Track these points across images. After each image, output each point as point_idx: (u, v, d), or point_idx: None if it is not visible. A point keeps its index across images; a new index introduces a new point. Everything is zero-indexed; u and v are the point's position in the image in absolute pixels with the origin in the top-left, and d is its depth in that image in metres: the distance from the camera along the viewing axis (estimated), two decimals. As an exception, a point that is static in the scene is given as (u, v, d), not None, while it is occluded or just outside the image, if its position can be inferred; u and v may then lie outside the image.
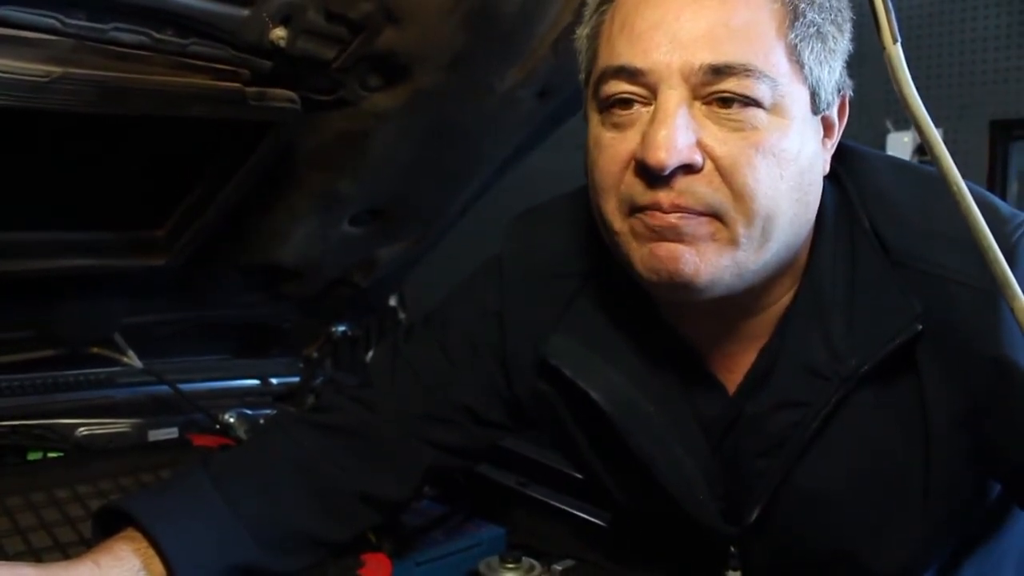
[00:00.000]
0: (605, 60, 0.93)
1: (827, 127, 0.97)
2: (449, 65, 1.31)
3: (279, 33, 1.15)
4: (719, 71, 0.87)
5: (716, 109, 0.88)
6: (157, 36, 1.09)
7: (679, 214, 0.90)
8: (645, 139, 0.88)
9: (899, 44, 0.75)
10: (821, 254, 1.00)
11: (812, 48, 0.91)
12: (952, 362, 0.94)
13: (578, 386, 1.05)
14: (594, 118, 0.96)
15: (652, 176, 0.89)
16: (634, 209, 0.92)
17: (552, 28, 1.34)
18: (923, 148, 2.57)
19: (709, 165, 0.89)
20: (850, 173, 1.02)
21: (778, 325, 1.02)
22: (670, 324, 1.06)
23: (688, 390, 1.05)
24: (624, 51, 0.91)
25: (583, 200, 1.07)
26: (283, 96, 1.23)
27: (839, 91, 0.96)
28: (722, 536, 1.06)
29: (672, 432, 1.04)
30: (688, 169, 0.88)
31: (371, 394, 1.20)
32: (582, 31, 1.00)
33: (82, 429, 1.57)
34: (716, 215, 0.90)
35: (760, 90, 0.88)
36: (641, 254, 0.93)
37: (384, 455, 1.16)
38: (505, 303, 1.15)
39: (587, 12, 0.99)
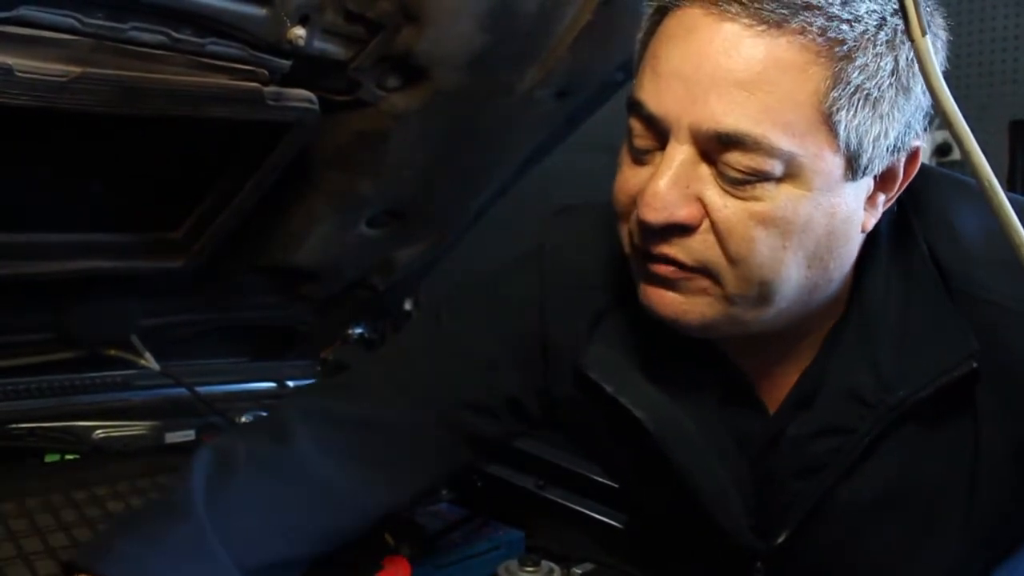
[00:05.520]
0: (635, 85, 0.90)
1: (885, 181, 0.91)
2: (467, 65, 1.30)
3: (297, 33, 1.14)
4: (726, 141, 0.82)
5: (721, 172, 0.84)
6: (175, 36, 1.09)
7: (671, 268, 0.88)
8: (643, 191, 0.86)
9: (928, 37, 0.73)
10: (873, 277, 0.96)
11: (855, 114, 0.83)
12: (1015, 399, 0.91)
13: (619, 402, 1.02)
14: (627, 136, 0.92)
15: (644, 228, 0.87)
16: (635, 244, 0.92)
17: (571, 28, 1.33)
18: (942, 150, 2.55)
19: (706, 224, 0.86)
20: (908, 192, 0.95)
21: (822, 348, 0.99)
22: (710, 340, 1.02)
23: (728, 407, 1.03)
24: (645, 86, 0.87)
25: None
26: (301, 96, 1.23)
27: (897, 151, 0.88)
28: (751, 552, 1.04)
29: (712, 449, 1.02)
30: (682, 228, 0.86)
31: (406, 375, 1.14)
32: (638, 34, 0.94)
33: (99, 431, 1.57)
34: (708, 273, 0.87)
35: (770, 164, 0.82)
36: (639, 286, 0.93)
37: (410, 451, 1.11)
38: (547, 298, 1.11)
39: (646, 14, 0.93)
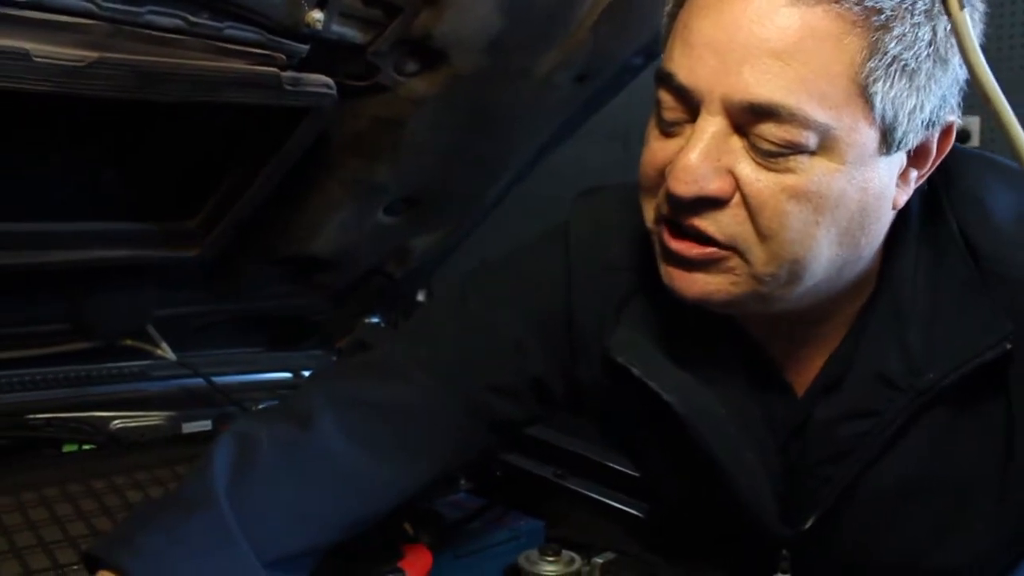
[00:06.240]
0: (664, 58, 0.88)
1: (918, 157, 0.88)
2: (486, 49, 1.28)
3: (315, 16, 1.13)
4: (759, 112, 0.80)
5: (754, 145, 0.83)
6: (192, 20, 1.07)
7: (700, 249, 0.87)
8: (673, 163, 0.85)
9: (966, 10, 0.71)
10: (902, 259, 0.94)
11: (891, 85, 0.81)
12: None
13: (648, 386, 1.00)
14: (655, 109, 0.90)
15: (674, 201, 0.86)
16: (661, 218, 0.90)
17: (591, 11, 1.31)
18: (960, 136, 2.52)
19: (737, 198, 0.84)
20: (940, 170, 0.93)
21: (851, 330, 0.97)
22: (735, 322, 1.01)
23: (756, 391, 1.01)
24: (676, 58, 0.85)
25: None
26: (319, 81, 1.21)
27: (931, 125, 0.85)
28: (777, 538, 1.03)
29: (742, 434, 1.00)
30: (713, 202, 0.84)
31: (429, 356, 1.11)
32: (666, 6, 0.92)
33: (116, 422, 1.57)
34: (736, 249, 0.86)
35: (804, 136, 0.80)
36: (662, 266, 0.92)
37: (433, 434, 1.09)
38: (572, 279, 1.09)
39: None
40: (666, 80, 0.86)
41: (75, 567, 1.03)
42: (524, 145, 1.57)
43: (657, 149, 0.89)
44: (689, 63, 0.84)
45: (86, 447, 1.48)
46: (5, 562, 1.04)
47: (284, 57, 1.17)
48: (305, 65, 1.20)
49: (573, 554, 1.19)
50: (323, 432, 1.04)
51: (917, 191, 0.92)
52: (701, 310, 0.96)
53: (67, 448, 1.47)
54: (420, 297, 1.95)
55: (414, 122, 1.38)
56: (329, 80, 1.23)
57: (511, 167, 1.61)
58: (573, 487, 1.54)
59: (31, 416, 1.50)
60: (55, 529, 1.12)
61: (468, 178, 1.59)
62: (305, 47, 1.17)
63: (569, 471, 1.57)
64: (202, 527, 0.92)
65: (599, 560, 1.24)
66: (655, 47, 1.43)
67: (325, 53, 1.20)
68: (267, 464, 1.00)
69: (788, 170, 0.82)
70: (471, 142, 1.49)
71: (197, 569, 0.89)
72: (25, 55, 0.99)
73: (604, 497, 1.50)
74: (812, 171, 0.82)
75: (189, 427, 1.62)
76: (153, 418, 1.60)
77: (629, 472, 1.50)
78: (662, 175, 0.87)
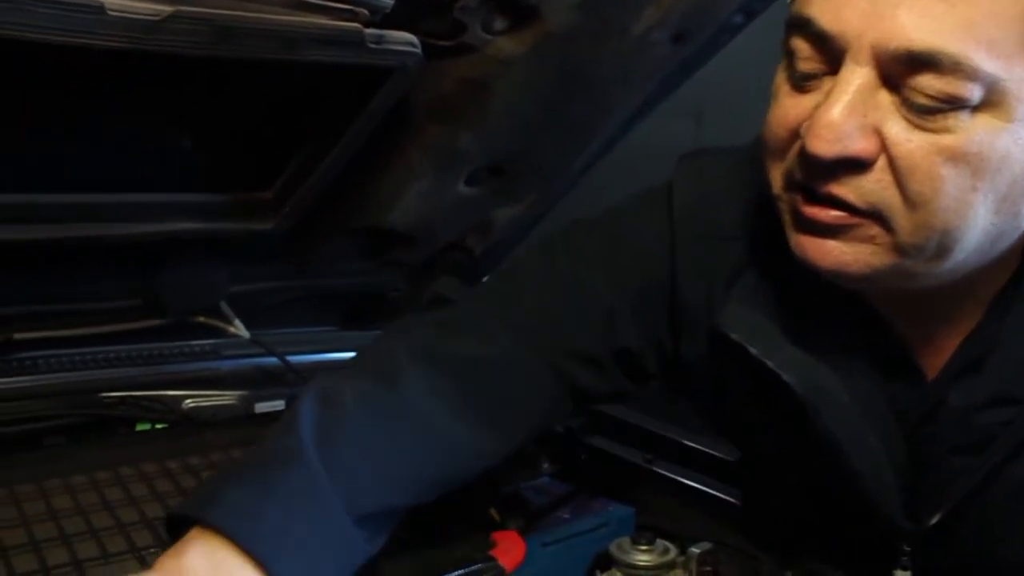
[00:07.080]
0: (799, 1, 0.79)
1: None
2: (580, 4, 1.21)
3: (400, -33, 1.07)
4: (918, 61, 0.71)
5: (906, 99, 0.74)
6: (272, -29, 1.03)
7: (836, 213, 0.78)
8: (811, 119, 0.76)
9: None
10: None
11: None
12: None
13: (764, 365, 0.92)
14: (783, 60, 0.82)
15: (811, 162, 0.77)
16: (793, 184, 0.82)
17: (692, -39, 1.24)
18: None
19: (883, 160, 0.75)
20: None
21: (991, 308, 0.89)
22: (861, 298, 0.93)
23: (881, 372, 0.93)
24: (816, 1, 0.77)
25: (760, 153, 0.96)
26: (403, 39, 1.15)
27: None
28: (899, 532, 0.95)
29: (865, 417, 0.92)
30: (855, 164, 0.76)
31: (514, 315, 1.05)
32: None
33: (189, 401, 1.53)
34: (880, 217, 0.77)
35: (968, 89, 0.71)
36: (792, 235, 0.84)
37: (517, 396, 1.04)
38: (677, 248, 1.02)
39: None
40: (804, 26, 0.77)
41: (153, 550, 0.99)
42: (616, 110, 1.50)
43: (789, 106, 0.80)
44: (834, 6, 0.75)
45: (159, 426, 1.45)
46: (82, 543, 1.01)
47: (367, 12, 1.11)
48: (389, 21, 1.13)
49: (667, 543, 1.12)
50: (410, 390, 0.98)
51: None
52: (823, 284, 0.87)
53: (140, 427, 1.44)
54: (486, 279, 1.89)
55: (501, 84, 1.32)
56: (414, 38, 1.17)
57: (601, 133, 1.54)
58: (663, 472, 1.47)
59: (104, 394, 1.47)
60: (132, 510, 1.09)
61: (556, 145, 1.53)
62: (389, 2, 1.11)
63: (658, 455, 1.50)
64: (294, 481, 0.86)
65: (695, 550, 1.16)
66: (755, 4, 1.36)
67: (410, 9, 1.14)
68: (354, 422, 0.94)
69: (945, 129, 0.73)
70: (560, 106, 1.42)
71: (290, 523, 0.84)
72: (100, 8, 0.95)
73: (696, 483, 1.43)
74: (973, 130, 0.73)
75: (262, 407, 1.57)
76: (226, 397, 1.56)
77: (722, 456, 1.43)
78: (794, 135, 0.79)
